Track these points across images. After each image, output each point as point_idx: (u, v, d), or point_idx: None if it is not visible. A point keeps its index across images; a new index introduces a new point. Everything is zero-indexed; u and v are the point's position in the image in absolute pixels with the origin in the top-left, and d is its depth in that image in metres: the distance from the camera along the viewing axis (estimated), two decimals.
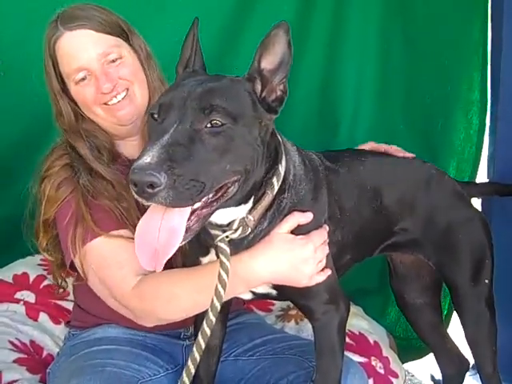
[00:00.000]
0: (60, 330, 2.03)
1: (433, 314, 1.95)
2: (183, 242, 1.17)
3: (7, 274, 2.22)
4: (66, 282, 1.83)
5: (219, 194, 1.20)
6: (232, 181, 1.21)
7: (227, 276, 1.31)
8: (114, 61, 1.62)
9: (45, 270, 2.27)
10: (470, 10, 2.54)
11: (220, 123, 1.17)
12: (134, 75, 1.65)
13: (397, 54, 2.62)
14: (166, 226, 1.16)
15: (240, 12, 2.50)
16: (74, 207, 1.57)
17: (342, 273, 1.62)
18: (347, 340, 2.02)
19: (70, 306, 2.10)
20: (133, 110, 1.65)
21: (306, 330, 2.02)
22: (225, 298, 1.34)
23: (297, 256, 1.38)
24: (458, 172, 2.58)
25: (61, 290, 1.89)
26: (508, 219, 2.40)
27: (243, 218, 1.32)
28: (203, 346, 1.34)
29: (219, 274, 1.31)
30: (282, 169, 1.35)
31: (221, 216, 1.30)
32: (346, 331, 2.03)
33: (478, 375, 2.42)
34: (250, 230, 1.34)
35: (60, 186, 1.61)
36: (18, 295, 2.11)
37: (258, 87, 1.29)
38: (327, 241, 1.44)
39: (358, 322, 2.21)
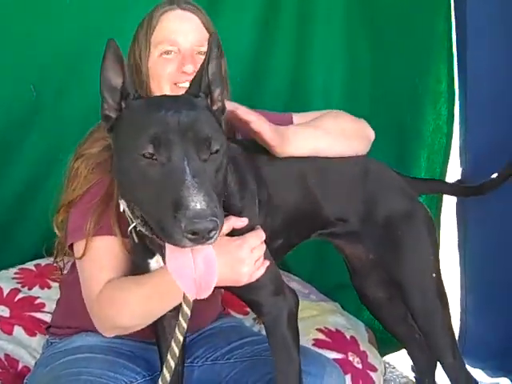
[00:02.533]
0: (36, 341, 2.02)
1: (397, 306, 1.93)
2: None
3: None
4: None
5: None
6: None
7: None
8: (201, 54, 1.69)
9: (19, 283, 2.25)
10: (434, 1, 2.55)
11: (216, 150, 1.21)
12: None
13: (363, 49, 2.65)
14: (198, 255, 1.19)
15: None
16: (103, 193, 1.56)
17: (277, 258, 1.64)
18: (323, 337, 2.06)
19: (45, 317, 2.10)
20: None
21: None
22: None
23: (234, 257, 1.39)
24: (429, 163, 2.59)
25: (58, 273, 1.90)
26: (483, 216, 2.43)
27: None
28: (177, 353, 1.38)
29: None
30: None
31: None
32: (322, 328, 2.11)
33: None
34: None
35: (94, 168, 1.60)
36: None
37: (209, 101, 1.34)
38: (263, 239, 1.46)
39: (335, 318, 2.22)
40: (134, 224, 1.38)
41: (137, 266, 1.52)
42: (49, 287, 2.25)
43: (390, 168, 1.86)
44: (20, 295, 2.19)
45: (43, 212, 2.40)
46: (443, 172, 2.56)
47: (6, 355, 1.93)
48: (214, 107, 1.35)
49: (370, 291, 1.99)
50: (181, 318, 1.37)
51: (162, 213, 1.13)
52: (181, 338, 1.37)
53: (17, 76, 2.37)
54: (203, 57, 1.62)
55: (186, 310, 1.37)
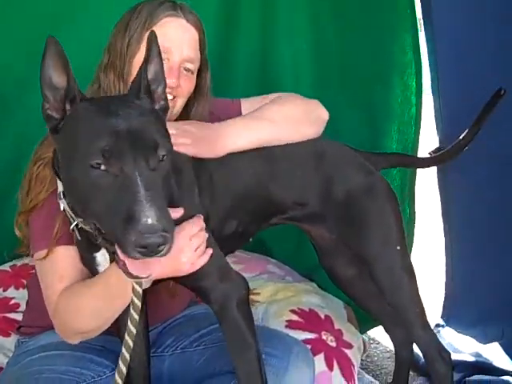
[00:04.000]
0: (10, 342, 1.99)
1: (367, 282, 1.89)
2: None
3: None
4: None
5: None
6: None
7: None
8: (187, 70, 1.68)
9: None
10: None
11: (163, 156, 1.20)
12: (187, 93, 1.70)
13: (327, 23, 2.61)
14: None
15: None
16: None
17: (236, 245, 1.68)
18: (296, 318, 2.05)
19: (20, 317, 2.06)
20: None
21: (256, 314, 2.00)
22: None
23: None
24: (400, 135, 2.56)
25: None
26: (464, 180, 2.44)
27: None
28: (132, 346, 1.38)
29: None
30: None
31: None
32: (296, 309, 2.10)
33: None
34: None
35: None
36: None
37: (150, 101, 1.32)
38: (203, 227, 1.45)
39: (310, 298, 2.21)
40: (75, 222, 1.38)
41: (84, 260, 1.52)
42: (24, 287, 2.23)
43: (345, 145, 1.85)
44: None
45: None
46: (415, 143, 2.54)
47: None
48: (157, 106, 1.33)
49: (340, 270, 1.98)
50: (132, 311, 1.36)
51: (115, 224, 1.14)
52: (134, 331, 1.37)
53: None
54: (187, 73, 1.67)
55: (137, 302, 1.36)
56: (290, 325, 2.01)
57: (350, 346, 2.02)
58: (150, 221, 1.09)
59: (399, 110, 2.55)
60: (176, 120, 1.71)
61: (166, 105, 1.35)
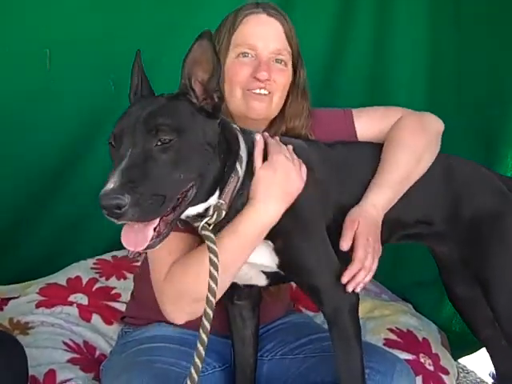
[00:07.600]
0: (112, 330, 2.09)
1: (486, 307, 1.80)
2: (158, 245, 1.31)
3: (62, 277, 2.31)
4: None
5: (180, 200, 1.33)
6: (189, 187, 1.33)
7: (217, 259, 1.38)
8: (279, 62, 1.72)
9: (97, 273, 2.35)
10: None
11: (167, 139, 1.29)
12: (283, 88, 1.73)
13: (448, 44, 2.61)
14: (137, 228, 1.30)
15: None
16: None
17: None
18: (394, 337, 2.03)
19: (121, 307, 2.17)
20: (264, 110, 1.70)
21: None
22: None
23: (278, 181, 1.46)
24: None
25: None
26: None
27: (216, 204, 1.42)
28: (203, 354, 1.37)
29: (210, 258, 1.38)
30: (243, 153, 1.46)
31: (196, 210, 1.41)
32: (394, 328, 2.08)
33: None
34: (224, 212, 1.42)
35: None
36: (71, 298, 2.19)
37: (194, 100, 1.38)
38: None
39: (407, 319, 2.19)
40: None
41: None
42: (125, 278, 2.32)
43: (482, 166, 1.79)
44: (98, 285, 2.28)
45: None
46: None
47: (85, 342, 2.02)
48: (210, 103, 1.38)
49: (459, 289, 1.92)
50: (204, 320, 1.37)
51: None
52: (205, 339, 1.36)
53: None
54: (279, 65, 1.70)
55: (209, 311, 1.37)
56: (388, 343, 2.00)
57: (446, 372, 1.98)
58: (110, 186, 1.20)
59: None
60: (274, 120, 1.75)
61: (219, 103, 1.39)
